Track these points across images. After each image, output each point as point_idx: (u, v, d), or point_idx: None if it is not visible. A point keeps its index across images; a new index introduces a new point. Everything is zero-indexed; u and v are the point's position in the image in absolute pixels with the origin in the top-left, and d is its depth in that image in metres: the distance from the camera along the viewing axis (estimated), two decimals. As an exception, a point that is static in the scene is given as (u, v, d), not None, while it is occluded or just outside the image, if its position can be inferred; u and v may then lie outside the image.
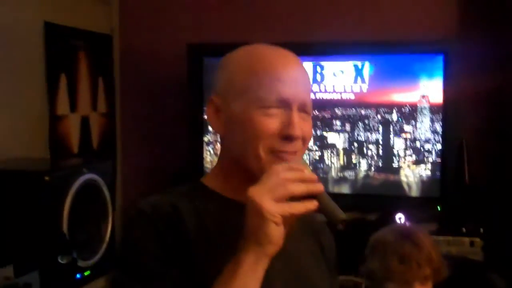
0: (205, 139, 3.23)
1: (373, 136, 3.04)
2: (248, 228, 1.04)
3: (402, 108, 3.00)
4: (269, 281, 1.12)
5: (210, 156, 3.23)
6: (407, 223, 2.76)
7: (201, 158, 3.21)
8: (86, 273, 2.27)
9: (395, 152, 3.03)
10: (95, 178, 2.33)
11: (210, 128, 3.22)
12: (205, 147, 3.23)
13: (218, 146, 3.20)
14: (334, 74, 3.05)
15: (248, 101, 1.16)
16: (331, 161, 3.09)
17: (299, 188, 1.05)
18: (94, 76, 3.35)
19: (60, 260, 2.10)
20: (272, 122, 1.15)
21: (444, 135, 2.96)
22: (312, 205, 1.06)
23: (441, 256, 1.96)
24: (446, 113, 2.95)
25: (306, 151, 3.00)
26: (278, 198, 1.03)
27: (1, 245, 2.01)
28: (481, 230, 2.77)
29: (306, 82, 1.23)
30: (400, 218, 2.81)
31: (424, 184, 3.01)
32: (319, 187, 1.08)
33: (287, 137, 1.15)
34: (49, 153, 2.93)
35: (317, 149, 3.09)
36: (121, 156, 3.59)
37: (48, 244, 2.09)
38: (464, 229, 2.79)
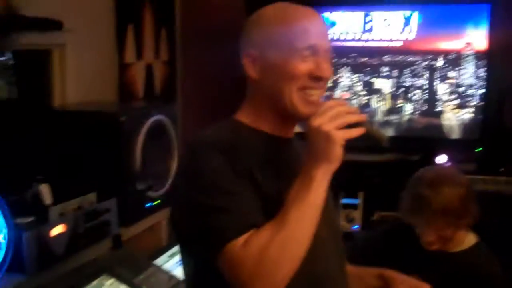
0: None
1: (419, 82, 3.18)
2: (317, 150, 1.22)
3: (448, 55, 3.13)
4: None
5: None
6: (447, 166, 2.89)
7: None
8: (156, 202, 2.55)
9: (439, 96, 3.17)
10: (162, 119, 2.58)
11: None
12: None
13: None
14: (384, 23, 3.19)
15: (283, 49, 1.34)
16: (377, 105, 3.27)
17: (353, 118, 1.24)
18: (157, 26, 3.56)
19: (137, 187, 2.39)
20: (305, 65, 1.33)
21: (487, 81, 3.07)
22: (362, 130, 1.25)
23: (467, 206, 2.00)
24: (490, 60, 3.06)
25: (354, 96, 3.24)
26: (339, 126, 1.22)
27: (87, 176, 2.29)
28: None
29: (328, 33, 1.42)
30: (440, 160, 2.96)
31: (465, 127, 3.14)
32: (364, 116, 1.28)
33: (318, 78, 1.34)
34: (117, 97, 3.22)
35: (365, 93, 3.27)
36: (181, 101, 3.84)
37: (125, 175, 2.38)
38: (501, 170, 2.93)
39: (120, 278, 2.03)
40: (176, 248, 2.34)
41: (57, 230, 2.01)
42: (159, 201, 2.56)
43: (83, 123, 2.38)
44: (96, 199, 2.22)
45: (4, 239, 1.86)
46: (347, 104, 1.28)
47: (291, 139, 1.45)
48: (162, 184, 2.58)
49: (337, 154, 1.22)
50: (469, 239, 2.13)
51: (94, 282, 1.96)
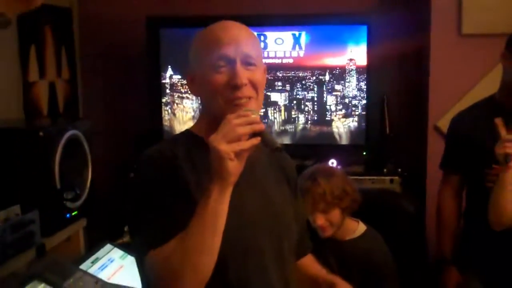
0: (163, 100, 3.62)
1: (309, 94, 3.47)
2: (212, 167, 1.26)
3: (333, 70, 3.45)
4: (242, 203, 1.40)
5: (168, 115, 3.62)
6: (328, 164, 3.12)
7: (160, 117, 3.59)
8: (74, 213, 2.66)
9: (328, 107, 3.47)
10: (77, 134, 2.69)
11: (167, 91, 3.63)
12: (164, 108, 3.63)
13: (175, 106, 3.62)
14: (276, 42, 3.48)
15: (203, 66, 1.40)
16: (274, 117, 3.53)
17: (245, 130, 1.27)
18: (58, 46, 3.65)
19: (65, 196, 2.49)
20: (220, 77, 1.38)
21: (368, 92, 3.41)
22: (256, 140, 1.28)
23: (343, 191, 2.32)
24: (370, 73, 3.39)
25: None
26: (230, 140, 1.25)
27: (10, 189, 2.37)
28: (399, 170, 3.27)
29: (248, 40, 1.43)
30: (332, 163, 3.26)
31: (352, 134, 3.46)
32: (260, 126, 1.29)
33: (234, 86, 1.37)
34: (23, 115, 3.27)
35: (262, 106, 3.54)
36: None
37: (45, 187, 2.47)
38: (385, 170, 3.27)
39: (51, 283, 2.13)
40: (98, 254, 2.48)
41: (-15, 240, 2.09)
42: (76, 212, 2.67)
43: (5, 140, 2.45)
44: (20, 211, 2.31)
45: None
46: (248, 115, 1.30)
47: None
48: (79, 196, 2.70)
49: (228, 169, 1.25)
50: (359, 229, 2.43)
51: (27, 287, 2.06)
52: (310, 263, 1.75)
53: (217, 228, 1.28)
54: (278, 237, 1.50)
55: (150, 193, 1.36)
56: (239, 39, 1.41)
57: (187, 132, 1.53)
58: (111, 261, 2.50)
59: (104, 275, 2.36)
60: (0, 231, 2.15)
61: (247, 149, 1.28)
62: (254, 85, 1.41)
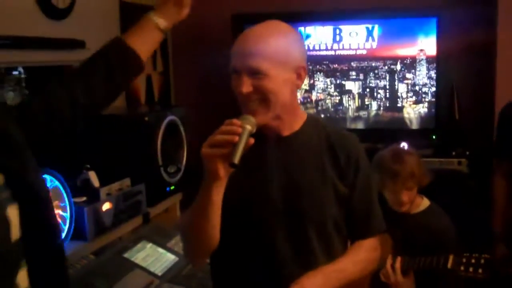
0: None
1: (382, 83, 3.71)
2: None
3: (404, 60, 3.67)
4: (266, 184, 1.58)
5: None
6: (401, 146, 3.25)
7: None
8: (172, 188, 3.06)
9: (399, 94, 3.70)
10: (175, 119, 3.09)
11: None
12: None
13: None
14: (350, 35, 3.74)
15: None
16: (348, 104, 3.80)
17: (219, 138, 1.40)
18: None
19: (169, 170, 2.90)
20: (233, 85, 1.55)
21: (438, 80, 3.61)
22: (224, 150, 1.39)
23: (423, 169, 2.49)
24: (439, 63, 3.59)
25: (328, 97, 3.77)
26: (210, 144, 1.41)
27: (122, 165, 2.77)
28: (467, 152, 3.46)
29: (259, 51, 1.51)
30: (404, 146, 3.46)
31: (422, 119, 3.67)
32: (231, 138, 1.39)
33: (239, 93, 1.54)
34: (125, 103, 3.71)
35: (337, 94, 3.84)
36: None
37: (149, 164, 2.88)
38: (453, 153, 3.46)
39: (156, 243, 2.52)
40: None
41: (106, 206, 2.51)
42: (173, 187, 3.07)
43: (114, 124, 2.88)
44: (130, 183, 2.73)
45: (69, 214, 2.35)
46: (236, 123, 1.41)
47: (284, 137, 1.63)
48: (179, 171, 3.09)
49: (208, 169, 1.42)
50: (424, 203, 2.63)
51: (138, 245, 2.45)
52: (352, 251, 1.73)
53: (204, 214, 1.48)
54: (299, 220, 1.61)
55: None
56: (248, 51, 1.52)
57: None
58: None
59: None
60: (115, 198, 2.57)
61: (218, 156, 1.40)
62: (261, 92, 1.53)
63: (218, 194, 1.47)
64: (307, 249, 1.63)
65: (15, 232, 1.24)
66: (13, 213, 1.23)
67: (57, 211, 2.32)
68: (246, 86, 1.51)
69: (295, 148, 1.64)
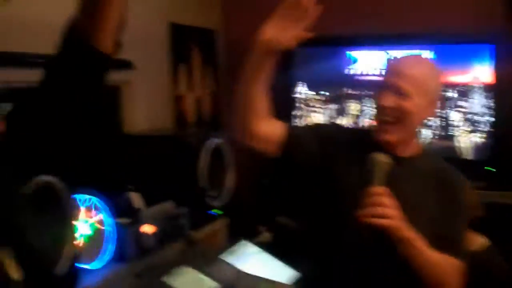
0: (295, 113, 3.94)
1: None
2: None
3: (459, 87, 3.57)
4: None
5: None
6: None
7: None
8: (217, 211, 3.03)
9: (452, 123, 3.59)
10: (220, 142, 3.07)
11: (297, 104, 3.94)
12: (292, 120, 3.94)
13: (305, 118, 3.91)
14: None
15: None
16: (400, 131, 3.72)
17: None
18: (203, 63, 4.11)
19: (212, 194, 2.88)
20: (377, 96, 1.77)
21: (495, 109, 3.49)
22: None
23: (474, 200, 2.38)
24: (496, 91, 3.47)
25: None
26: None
27: (166, 187, 2.76)
28: None
29: (411, 74, 1.72)
30: None
31: (476, 149, 3.55)
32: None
33: (381, 106, 1.75)
34: (174, 124, 3.72)
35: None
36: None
37: (193, 187, 2.86)
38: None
39: (198, 268, 2.49)
40: (237, 248, 2.81)
41: (148, 228, 2.50)
42: (219, 211, 3.04)
43: (161, 146, 2.88)
44: (174, 206, 2.71)
45: (112, 235, 2.35)
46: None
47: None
48: (222, 197, 3.06)
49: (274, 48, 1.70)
50: (481, 242, 2.50)
51: (179, 270, 2.42)
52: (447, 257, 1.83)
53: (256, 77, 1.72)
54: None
55: None
56: (402, 73, 1.73)
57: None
58: (248, 256, 2.82)
59: (240, 267, 2.69)
60: (157, 221, 2.56)
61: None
62: (400, 111, 1.72)
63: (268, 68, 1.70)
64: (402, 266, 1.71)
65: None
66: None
67: (98, 230, 2.33)
68: (389, 101, 1.71)
69: (409, 170, 1.78)
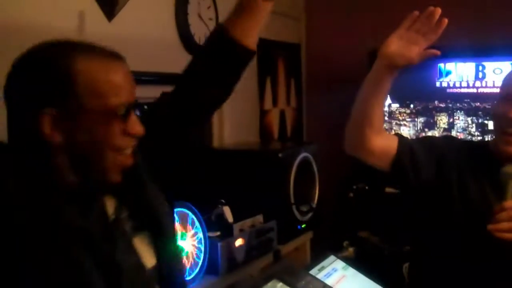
0: (382, 127, 3.88)
1: None
2: None
3: None
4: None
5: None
6: None
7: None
8: (303, 226, 3.04)
9: None
10: (307, 156, 3.08)
11: (385, 118, 3.88)
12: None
13: (393, 132, 3.86)
14: (494, 72, 3.57)
15: None
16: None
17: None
18: (288, 77, 4.14)
19: (301, 209, 2.90)
20: (500, 109, 1.75)
21: None
22: None
23: None
24: None
25: (469, 136, 3.59)
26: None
27: (255, 201, 2.79)
28: None
29: None
30: None
31: None
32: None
33: (507, 118, 1.72)
34: (259, 138, 3.77)
35: (478, 134, 3.64)
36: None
37: (283, 201, 2.88)
38: None
39: (287, 283, 2.50)
40: (323, 263, 2.80)
41: (239, 242, 2.53)
42: (305, 225, 3.05)
43: (248, 160, 2.92)
44: (263, 220, 2.74)
45: (203, 248, 2.40)
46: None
47: None
48: (312, 209, 3.07)
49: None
50: None
51: (269, 284, 2.44)
52: None
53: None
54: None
55: None
56: None
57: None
58: (335, 271, 2.79)
59: (329, 282, 2.68)
60: (247, 234, 2.59)
61: None
62: None
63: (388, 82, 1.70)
64: None
65: (150, 259, 1.31)
66: (142, 241, 1.30)
67: (192, 244, 2.38)
68: None
69: None
